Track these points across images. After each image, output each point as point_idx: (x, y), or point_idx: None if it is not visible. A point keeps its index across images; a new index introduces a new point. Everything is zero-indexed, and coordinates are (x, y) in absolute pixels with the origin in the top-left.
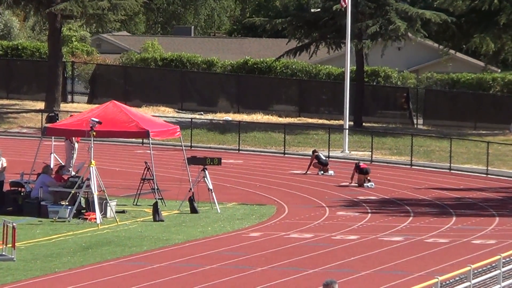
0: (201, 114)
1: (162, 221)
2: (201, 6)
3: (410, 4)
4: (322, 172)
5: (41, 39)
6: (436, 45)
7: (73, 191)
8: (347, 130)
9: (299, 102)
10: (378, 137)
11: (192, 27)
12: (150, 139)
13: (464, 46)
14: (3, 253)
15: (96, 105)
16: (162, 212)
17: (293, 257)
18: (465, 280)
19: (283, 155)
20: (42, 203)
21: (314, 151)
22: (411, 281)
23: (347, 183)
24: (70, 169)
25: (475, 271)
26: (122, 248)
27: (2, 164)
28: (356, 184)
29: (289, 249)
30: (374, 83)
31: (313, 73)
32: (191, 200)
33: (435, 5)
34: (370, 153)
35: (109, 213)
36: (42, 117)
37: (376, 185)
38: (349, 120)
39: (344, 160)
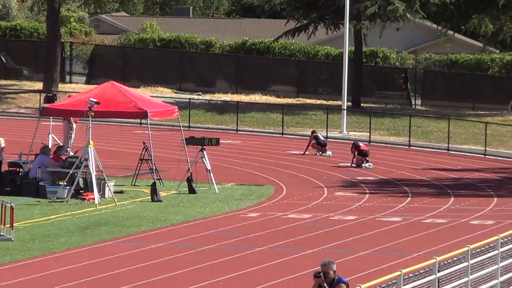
0: (199, 95)
1: (160, 201)
2: None
3: None
4: (320, 152)
5: (40, 19)
6: (434, 26)
7: (71, 172)
8: (345, 111)
9: (298, 83)
10: (376, 118)
11: (191, 7)
12: (148, 119)
13: (462, 27)
14: (1, 233)
15: (94, 86)
16: (160, 193)
17: (291, 238)
18: (463, 260)
19: (281, 135)
20: (40, 183)
21: (313, 132)
22: (409, 261)
23: (348, 165)
24: (68, 149)
25: (473, 252)
26: (120, 228)
27: (0, 145)
28: (354, 165)
29: (287, 230)
30: (373, 64)
31: (312, 53)
32: (189, 181)
33: None
34: (368, 133)
35: (107, 194)
36: (40, 98)
37: (374, 165)
38: (347, 101)
39: (342, 141)
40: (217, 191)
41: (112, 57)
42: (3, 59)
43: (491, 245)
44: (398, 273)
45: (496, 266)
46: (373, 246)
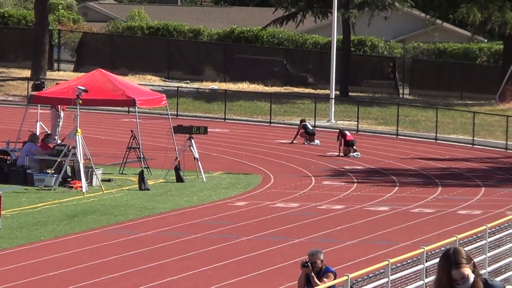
0: (187, 83)
1: (148, 190)
2: None
3: None
4: (308, 141)
5: (28, 7)
6: (423, 14)
7: (59, 160)
8: (333, 100)
9: (286, 71)
10: (364, 107)
11: None
12: (136, 107)
13: (451, 16)
14: None
15: (83, 73)
16: (148, 181)
17: (279, 227)
18: None
19: (269, 124)
20: (28, 171)
21: (302, 121)
22: (396, 250)
23: (336, 154)
24: (56, 137)
25: (461, 242)
26: (107, 216)
27: None
28: (342, 154)
29: (274, 219)
30: (361, 53)
31: (300, 42)
32: (177, 169)
33: None
34: (356, 122)
35: (95, 182)
36: (28, 85)
37: (362, 155)
38: (335, 90)
39: (330, 130)
40: (204, 180)
41: (100, 45)
42: None
43: (479, 235)
44: (386, 262)
45: (484, 256)
46: (361, 236)
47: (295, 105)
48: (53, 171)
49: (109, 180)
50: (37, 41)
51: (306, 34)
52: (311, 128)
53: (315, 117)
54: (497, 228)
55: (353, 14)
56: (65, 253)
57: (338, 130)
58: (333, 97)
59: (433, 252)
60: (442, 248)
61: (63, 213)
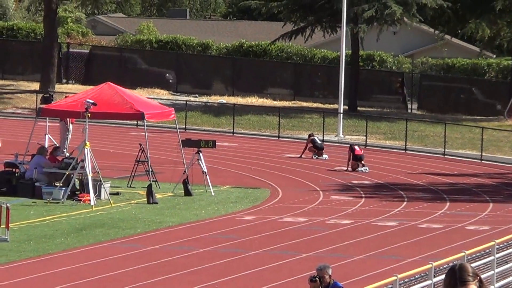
0: (196, 97)
1: (156, 203)
2: None
3: None
4: (316, 156)
5: (37, 20)
6: (431, 30)
7: (67, 173)
8: (341, 114)
9: (294, 86)
10: (373, 122)
11: (188, 9)
12: (145, 121)
13: (459, 31)
14: None
15: (91, 87)
16: (156, 195)
17: (287, 241)
18: None
19: (277, 138)
20: (36, 184)
21: (310, 135)
22: (404, 266)
23: (344, 169)
24: (65, 150)
25: (469, 257)
26: (115, 230)
27: None
28: (350, 169)
29: (282, 233)
30: (369, 68)
31: (308, 56)
32: (185, 183)
33: None
34: (365, 137)
35: (103, 195)
36: (36, 98)
37: (370, 169)
38: (344, 104)
39: (338, 144)
40: (213, 194)
41: (109, 58)
42: None
43: (487, 250)
44: (394, 278)
45: (492, 272)
46: (369, 251)
47: (304, 119)
48: (61, 184)
49: (117, 194)
50: (46, 54)
51: (314, 49)
52: (319, 142)
53: (323, 132)
54: (505, 244)
55: (362, 29)
56: (73, 266)
57: (346, 145)
58: (342, 111)
59: (441, 267)
60: (450, 264)
61: (71, 226)
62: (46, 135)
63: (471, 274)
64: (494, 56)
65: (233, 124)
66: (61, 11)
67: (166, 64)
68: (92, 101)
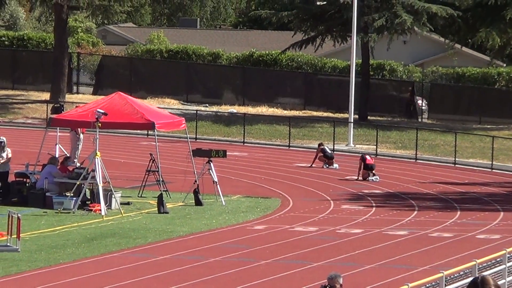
0: (206, 106)
1: (167, 213)
2: None
3: None
4: (327, 165)
5: (47, 30)
6: (442, 39)
7: (78, 182)
8: (352, 124)
9: (305, 95)
10: (383, 131)
11: (198, 19)
12: (155, 130)
13: (470, 40)
14: (8, 244)
15: (102, 96)
16: (166, 204)
17: (298, 251)
18: (470, 275)
19: (288, 148)
20: (47, 194)
21: (320, 144)
22: (415, 275)
23: (355, 178)
24: (76, 160)
25: (480, 266)
26: (126, 240)
27: (7, 155)
28: (361, 178)
29: (293, 242)
30: (380, 77)
31: (319, 66)
32: (196, 193)
33: None
34: (375, 146)
35: (114, 205)
36: (47, 108)
37: (381, 179)
38: (354, 114)
39: (349, 154)
40: (223, 203)
41: (120, 68)
42: None
43: (498, 259)
44: (405, 287)
45: (504, 281)
46: (380, 260)
47: (314, 128)
48: (72, 194)
49: (128, 203)
50: (56, 64)
51: (325, 58)
52: (329, 152)
53: (334, 141)
54: None
55: (372, 38)
56: (84, 276)
57: (357, 154)
58: (352, 121)
59: (452, 276)
60: (462, 273)
61: (82, 236)
62: (57, 145)
63: (493, 287)
64: (505, 65)
65: (244, 133)
66: (72, 21)
67: (176, 73)
68: (102, 111)
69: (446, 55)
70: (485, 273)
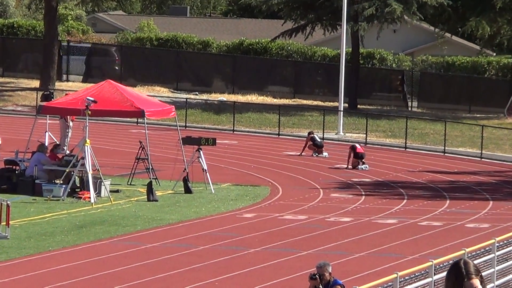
0: (196, 94)
1: (156, 201)
2: None
3: None
4: (316, 154)
5: (37, 17)
6: (431, 28)
7: (67, 170)
8: (342, 112)
9: (294, 84)
10: (373, 120)
11: (188, 7)
12: (145, 118)
13: (459, 29)
14: None
15: (91, 84)
16: (156, 192)
17: (287, 239)
18: None
19: (277, 136)
20: (37, 181)
21: (310, 133)
22: (404, 263)
23: (344, 166)
24: (65, 147)
25: (469, 255)
26: (115, 227)
27: None
28: (350, 167)
29: (282, 231)
30: (369, 65)
31: (309, 54)
32: (185, 180)
33: None
34: (365, 135)
35: (103, 192)
36: (37, 95)
37: (370, 167)
38: (344, 102)
39: (339, 142)
40: (213, 191)
41: (109, 56)
42: None
43: (487, 248)
44: (394, 275)
45: (492, 270)
46: (369, 248)
47: (304, 117)
48: (61, 182)
49: (117, 191)
50: (46, 52)
51: (315, 47)
52: (319, 140)
53: (323, 130)
54: (505, 241)
55: (362, 27)
56: (73, 264)
57: (347, 143)
58: (342, 109)
59: (441, 265)
60: (451, 261)
61: (71, 223)
62: (46, 133)
63: (475, 269)
64: (494, 54)
65: (233, 121)
66: (62, 9)
67: (166, 61)
68: (92, 99)
69: (436, 44)
70: (475, 261)
